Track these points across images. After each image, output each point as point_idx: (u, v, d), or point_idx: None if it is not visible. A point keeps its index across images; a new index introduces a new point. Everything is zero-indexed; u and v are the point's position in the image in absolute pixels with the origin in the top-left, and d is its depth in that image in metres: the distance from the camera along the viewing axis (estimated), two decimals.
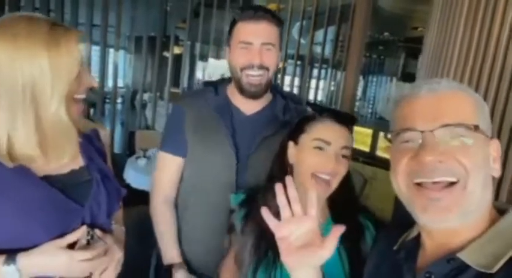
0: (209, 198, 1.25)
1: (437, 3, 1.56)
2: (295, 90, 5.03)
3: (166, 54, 5.15)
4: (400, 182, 0.65)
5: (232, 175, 1.22)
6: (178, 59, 4.98)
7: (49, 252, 0.80)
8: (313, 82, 5.13)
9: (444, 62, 1.43)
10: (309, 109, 1.22)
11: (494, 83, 1.26)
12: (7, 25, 0.78)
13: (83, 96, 0.87)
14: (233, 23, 1.24)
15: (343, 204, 0.99)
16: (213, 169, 1.24)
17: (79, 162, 0.91)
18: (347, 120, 0.98)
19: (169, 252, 1.23)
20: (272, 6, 4.35)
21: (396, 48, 10.18)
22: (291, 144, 1.00)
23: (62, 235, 0.83)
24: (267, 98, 1.30)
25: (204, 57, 6.20)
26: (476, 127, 0.61)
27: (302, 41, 4.80)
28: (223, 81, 1.34)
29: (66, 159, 0.85)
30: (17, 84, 0.76)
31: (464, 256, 0.59)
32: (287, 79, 4.93)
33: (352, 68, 4.13)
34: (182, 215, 1.29)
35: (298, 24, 4.54)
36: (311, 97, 5.37)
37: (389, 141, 0.71)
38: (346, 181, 0.98)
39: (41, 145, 0.80)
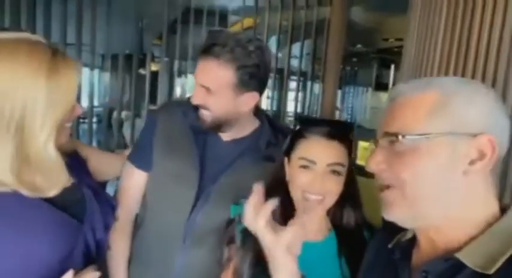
0: (164, 219, 1.15)
1: (416, 11, 1.61)
2: (274, 103, 5.06)
3: (142, 71, 5.08)
4: None
5: (189, 201, 1.11)
6: (155, 76, 4.93)
7: None
8: (292, 94, 5.19)
9: (425, 70, 1.46)
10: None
11: None
12: (7, 46, 0.72)
13: (70, 123, 0.86)
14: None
15: (348, 218, 0.97)
16: (172, 189, 1.14)
17: (69, 180, 0.90)
18: (338, 132, 0.93)
19: (119, 275, 1.16)
20: (248, 21, 4.40)
21: (369, 60, 10.47)
22: (286, 160, 0.98)
23: (68, 254, 0.83)
24: (251, 126, 1.19)
25: (182, 74, 6.18)
26: (423, 134, 0.60)
27: (279, 54, 4.86)
28: None
29: (59, 188, 0.82)
30: (3, 112, 0.70)
31: (461, 256, 0.58)
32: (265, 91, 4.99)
33: (330, 80, 4.20)
34: (136, 232, 1.21)
35: (274, 38, 4.60)
36: (290, 109, 5.43)
37: None
38: (352, 194, 0.96)
39: (20, 174, 0.76)
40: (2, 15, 3.13)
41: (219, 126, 1.13)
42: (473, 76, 1.28)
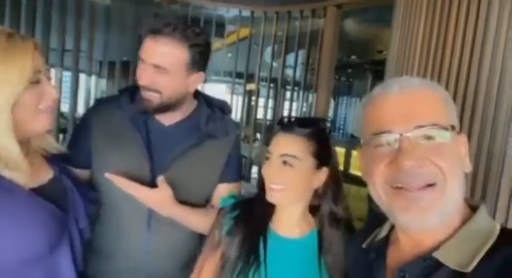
0: (123, 211, 1.15)
1: (397, 23, 1.69)
2: (270, 112, 5.13)
3: None
4: (378, 188, 0.64)
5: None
6: None
7: None
8: (287, 103, 5.27)
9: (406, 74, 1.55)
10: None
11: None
12: None
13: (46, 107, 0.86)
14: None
15: (327, 213, 1.00)
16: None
17: (51, 173, 0.95)
18: (298, 127, 0.95)
19: None
20: (244, 31, 4.48)
21: (363, 71, 10.61)
22: None
23: (56, 243, 0.86)
24: (190, 107, 1.20)
25: None
26: (452, 127, 0.60)
27: (274, 64, 4.95)
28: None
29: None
30: None
31: (439, 255, 0.58)
32: (261, 101, 5.07)
33: (323, 90, 4.28)
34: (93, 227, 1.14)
35: (269, 48, 4.69)
36: None
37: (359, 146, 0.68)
38: (334, 190, 1.00)
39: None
40: (3, 25, 3.19)
41: (166, 108, 1.11)
42: (448, 76, 1.36)
